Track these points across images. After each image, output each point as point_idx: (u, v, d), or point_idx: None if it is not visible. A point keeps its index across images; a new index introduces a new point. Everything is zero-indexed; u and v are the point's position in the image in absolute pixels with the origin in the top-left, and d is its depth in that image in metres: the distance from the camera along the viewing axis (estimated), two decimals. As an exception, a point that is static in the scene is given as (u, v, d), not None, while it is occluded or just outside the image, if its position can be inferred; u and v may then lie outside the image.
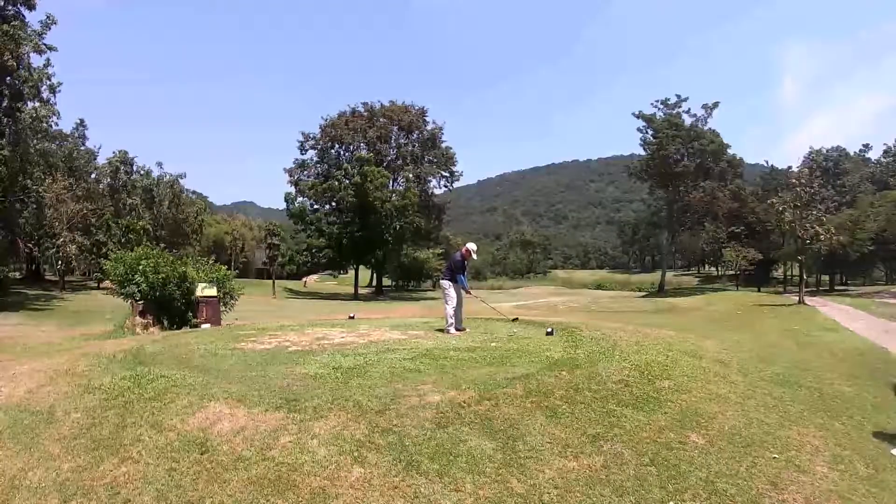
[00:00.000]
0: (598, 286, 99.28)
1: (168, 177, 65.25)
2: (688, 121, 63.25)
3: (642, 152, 66.89)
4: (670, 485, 4.16)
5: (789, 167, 75.06)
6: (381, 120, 72.72)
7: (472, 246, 11.27)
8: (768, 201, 54.64)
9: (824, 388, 7.50)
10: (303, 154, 73.05)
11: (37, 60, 32.90)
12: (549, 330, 9.97)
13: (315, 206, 68.93)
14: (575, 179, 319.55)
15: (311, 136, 72.34)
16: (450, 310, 10.56)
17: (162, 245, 18.93)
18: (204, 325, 13.95)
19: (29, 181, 33.99)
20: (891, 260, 75.44)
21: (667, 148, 61.11)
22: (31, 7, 32.57)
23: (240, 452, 4.39)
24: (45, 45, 32.55)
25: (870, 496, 4.31)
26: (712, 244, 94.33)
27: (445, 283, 10.78)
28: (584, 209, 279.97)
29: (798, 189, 31.91)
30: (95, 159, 56.81)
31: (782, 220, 34.32)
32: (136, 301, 14.38)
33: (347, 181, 61.28)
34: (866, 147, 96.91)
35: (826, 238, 32.07)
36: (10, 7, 31.76)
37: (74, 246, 45.20)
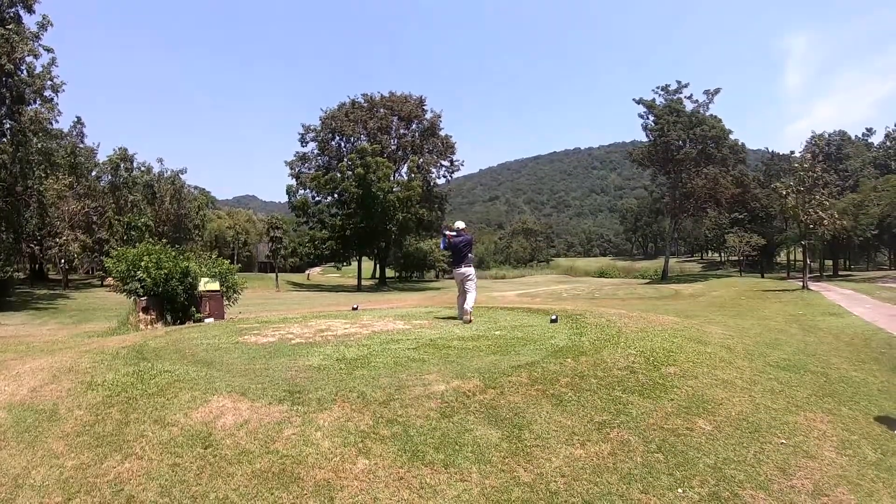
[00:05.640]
0: (601, 274, 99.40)
1: (169, 172, 65.25)
2: (689, 107, 63.00)
3: (644, 139, 66.70)
4: (678, 472, 4.13)
5: (791, 152, 74.91)
6: (381, 111, 72.71)
7: (459, 224, 11.21)
8: (771, 186, 54.54)
9: (830, 372, 7.46)
10: (304, 146, 73.25)
11: (41, 60, 32.88)
12: (554, 317, 9.94)
13: (317, 198, 68.99)
14: (577, 167, 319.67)
15: (312, 128, 72.40)
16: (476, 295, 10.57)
17: (164, 241, 18.86)
18: (207, 320, 13.94)
19: (30, 180, 33.96)
20: (894, 244, 75.31)
21: (668, 134, 60.90)
22: (30, 10, 32.46)
23: (243, 446, 4.36)
24: (42, 46, 32.47)
25: (878, 481, 4.28)
26: (715, 230, 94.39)
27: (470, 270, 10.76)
28: (586, 197, 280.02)
29: (801, 173, 31.73)
30: (95, 157, 56.80)
31: (785, 205, 34.17)
32: (139, 297, 14.34)
33: (350, 172, 61.18)
34: (869, 131, 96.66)
35: (829, 223, 31.90)
36: (8, 9, 31.67)
37: (77, 244, 45.32)
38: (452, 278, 12.15)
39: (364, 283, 67.89)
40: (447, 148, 74.54)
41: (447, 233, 11.04)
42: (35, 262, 54.82)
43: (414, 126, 74.62)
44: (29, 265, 55.68)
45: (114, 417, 5.15)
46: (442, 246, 11.26)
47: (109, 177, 58.56)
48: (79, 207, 48.99)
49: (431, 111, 74.89)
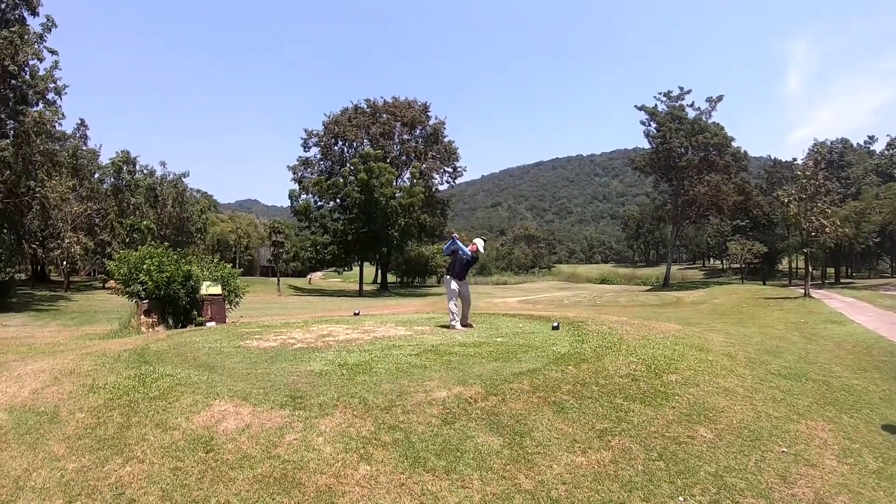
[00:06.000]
0: (603, 280, 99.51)
1: (171, 176, 65.36)
2: (691, 114, 63.08)
3: (646, 146, 66.77)
4: (679, 480, 4.13)
5: (794, 159, 74.94)
6: (384, 116, 72.90)
7: (477, 241, 11.23)
8: (773, 194, 54.52)
9: (832, 381, 7.45)
10: (306, 151, 73.50)
11: (45, 63, 32.99)
12: (555, 324, 9.94)
13: (319, 203, 69.03)
14: (579, 173, 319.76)
15: (315, 132, 72.56)
16: (453, 305, 10.59)
17: (166, 244, 18.90)
18: (209, 324, 13.94)
19: (32, 182, 34.04)
20: (896, 252, 75.24)
21: (670, 141, 60.92)
22: (34, 11, 32.59)
23: (245, 451, 4.37)
24: (46, 48, 32.60)
25: (879, 489, 4.27)
26: (717, 237, 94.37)
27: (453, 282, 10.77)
28: (588, 203, 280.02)
29: (803, 181, 31.70)
30: (98, 159, 56.95)
31: (787, 212, 34.13)
32: (141, 300, 14.35)
33: (353, 178, 61.25)
34: (871, 139, 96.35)
35: (831, 230, 31.85)
36: (12, 11, 31.81)
37: (79, 246, 45.31)
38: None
39: (366, 288, 67.86)
40: (450, 154, 74.68)
41: (477, 242, 11.09)
42: (37, 264, 54.89)
43: (417, 132, 74.83)
44: (31, 266, 55.76)
45: (115, 420, 5.15)
46: (445, 251, 11.28)
47: (112, 179, 58.69)
48: (81, 209, 49.04)
49: (436, 118, 75.23)
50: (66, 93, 34.10)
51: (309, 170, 72.76)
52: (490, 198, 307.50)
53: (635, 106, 64.65)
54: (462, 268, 10.83)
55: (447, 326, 10.55)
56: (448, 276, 10.88)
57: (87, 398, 5.76)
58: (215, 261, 18.54)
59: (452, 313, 10.54)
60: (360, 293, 62.11)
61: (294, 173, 72.07)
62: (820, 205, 31.95)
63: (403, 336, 9.29)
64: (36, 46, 31.81)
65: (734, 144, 64.32)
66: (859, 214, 61.04)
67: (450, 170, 75.44)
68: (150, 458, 4.39)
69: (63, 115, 34.47)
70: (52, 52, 33.00)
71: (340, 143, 72.98)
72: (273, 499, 3.76)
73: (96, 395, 5.79)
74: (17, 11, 32.13)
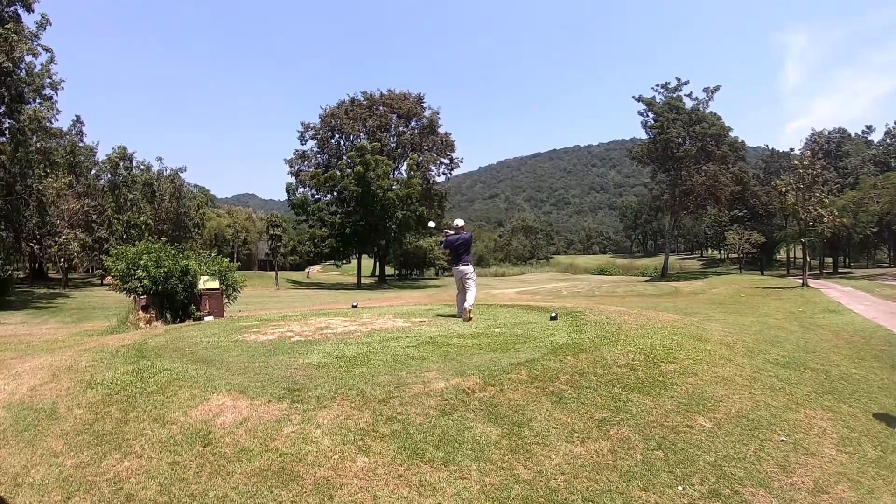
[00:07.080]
0: (601, 271, 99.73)
1: (168, 171, 65.23)
2: (689, 104, 63.04)
3: (644, 136, 66.74)
4: (678, 469, 4.12)
5: (791, 150, 74.98)
6: (380, 108, 72.77)
7: (458, 222, 11.20)
8: (771, 184, 54.60)
9: (830, 370, 7.46)
10: (303, 144, 73.36)
11: (40, 59, 32.87)
12: (553, 315, 9.93)
13: (317, 196, 68.88)
14: (576, 164, 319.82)
15: (311, 125, 72.44)
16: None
17: (164, 239, 18.88)
18: (207, 318, 13.94)
19: (30, 180, 33.96)
20: (894, 242, 75.39)
21: (668, 131, 60.89)
22: (29, 9, 32.44)
23: (243, 444, 4.36)
24: (41, 45, 32.46)
25: (879, 478, 4.27)
26: (715, 227, 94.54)
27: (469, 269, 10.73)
28: (586, 194, 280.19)
29: (801, 171, 31.68)
30: (95, 155, 56.76)
31: (785, 202, 34.15)
32: (139, 296, 14.35)
33: (350, 170, 61.11)
34: (869, 129, 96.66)
35: (829, 220, 31.85)
36: (7, 8, 31.66)
37: (76, 243, 45.27)
38: (452, 276, 12.16)
39: (364, 280, 67.81)
40: (446, 145, 74.60)
41: (447, 231, 11.04)
42: (35, 261, 54.80)
43: (413, 123, 74.70)
44: (29, 264, 55.69)
45: (113, 416, 5.14)
46: (442, 246, 11.29)
47: (109, 175, 58.59)
48: (78, 206, 48.99)
49: (430, 108, 75.04)
50: (62, 88, 33.96)
51: (306, 163, 72.68)
52: (487, 189, 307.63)
53: (633, 97, 64.77)
54: (453, 254, 10.88)
55: (456, 316, 10.57)
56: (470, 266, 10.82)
57: (84, 394, 5.75)
58: (213, 255, 18.55)
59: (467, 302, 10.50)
60: (359, 286, 62.10)
61: (291, 167, 72.01)
62: (818, 194, 31.94)
63: (401, 328, 9.28)
64: (31, 43, 31.66)
65: (731, 134, 64.37)
66: (857, 204, 61.23)
67: (446, 161, 75.40)
68: (148, 453, 4.38)
69: (58, 110, 34.33)
70: (47, 50, 32.88)
71: (337, 135, 72.87)
72: (271, 491, 3.75)
73: (94, 391, 5.78)
74: (11, 9, 32.00)
